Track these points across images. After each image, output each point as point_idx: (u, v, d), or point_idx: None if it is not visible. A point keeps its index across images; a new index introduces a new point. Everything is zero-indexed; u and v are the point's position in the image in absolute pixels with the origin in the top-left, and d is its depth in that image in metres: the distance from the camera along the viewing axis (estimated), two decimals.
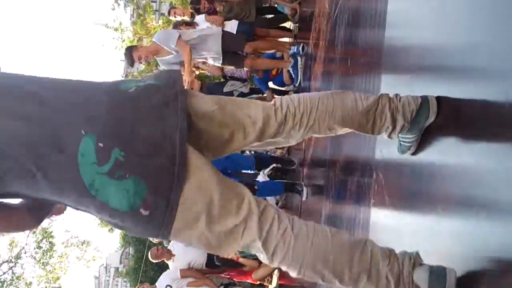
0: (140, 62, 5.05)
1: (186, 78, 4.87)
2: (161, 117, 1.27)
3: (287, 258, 1.31)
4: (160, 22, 17.49)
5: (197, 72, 6.25)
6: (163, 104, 1.29)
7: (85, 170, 1.19)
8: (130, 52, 5.00)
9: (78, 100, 1.27)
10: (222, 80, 7.04)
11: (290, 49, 5.77)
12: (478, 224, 1.16)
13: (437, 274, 1.23)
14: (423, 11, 1.77)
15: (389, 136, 1.59)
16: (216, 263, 6.00)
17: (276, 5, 6.99)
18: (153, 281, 7.56)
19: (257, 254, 1.36)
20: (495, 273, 1.08)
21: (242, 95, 6.48)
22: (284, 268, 1.36)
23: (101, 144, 1.19)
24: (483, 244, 1.14)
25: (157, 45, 4.99)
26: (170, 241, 5.56)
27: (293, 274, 1.35)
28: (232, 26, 6.01)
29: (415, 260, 1.31)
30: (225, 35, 5.24)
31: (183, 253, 5.99)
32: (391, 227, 1.92)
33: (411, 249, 1.35)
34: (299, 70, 5.68)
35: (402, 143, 1.64)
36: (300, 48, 5.57)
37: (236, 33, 5.80)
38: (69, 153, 1.19)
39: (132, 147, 1.22)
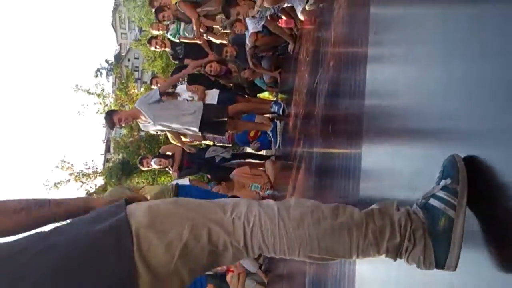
0: (120, 125, 5.18)
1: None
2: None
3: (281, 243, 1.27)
4: (142, 89, 17.80)
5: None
6: None
7: None
8: (110, 115, 5.17)
9: None
10: (203, 146, 7.13)
11: (271, 107, 5.88)
12: None
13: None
14: (400, 82, 1.87)
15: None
16: None
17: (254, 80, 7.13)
18: None
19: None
20: None
21: (224, 160, 6.55)
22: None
23: None
24: None
25: (137, 110, 5.13)
26: None
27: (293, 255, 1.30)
28: (213, 95, 6.16)
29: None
30: (206, 110, 5.33)
31: None
32: None
33: None
34: (278, 133, 5.80)
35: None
36: (281, 110, 5.69)
37: (218, 101, 5.95)
38: None
39: None
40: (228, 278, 5.82)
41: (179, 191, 4.80)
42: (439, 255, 1.18)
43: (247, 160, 6.65)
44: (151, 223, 1.22)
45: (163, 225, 1.23)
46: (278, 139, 5.80)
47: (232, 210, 1.30)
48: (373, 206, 1.31)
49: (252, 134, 6.39)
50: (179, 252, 1.21)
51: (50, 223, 1.33)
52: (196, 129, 5.25)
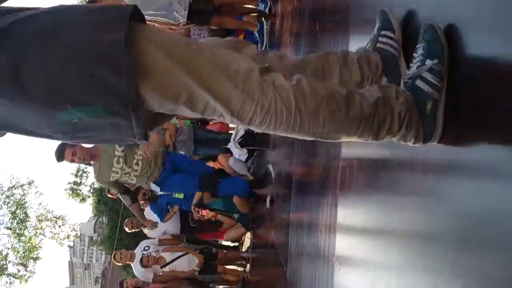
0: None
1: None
2: None
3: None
4: None
5: None
6: None
7: None
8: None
9: None
10: None
11: (257, 5, 5.62)
12: None
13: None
14: None
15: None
16: (192, 225, 6.12)
17: None
18: (128, 247, 7.67)
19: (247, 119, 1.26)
20: None
21: None
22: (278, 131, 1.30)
23: None
24: None
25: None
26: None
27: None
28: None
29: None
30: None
31: (158, 223, 6.10)
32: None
33: None
34: (265, 34, 5.67)
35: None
36: (267, 8, 5.51)
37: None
38: None
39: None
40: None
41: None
42: (427, 134, 1.28)
43: None
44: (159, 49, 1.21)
45: (166, 75, 1.21)
46: (265, 40, 5.69)
47: (244, 84, 1.23)
48: (375, 90, 1.33)
49: (241, 37, 6.28)
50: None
51: None
52: (184, 17, 5.03)
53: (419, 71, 1.27)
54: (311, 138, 1.34)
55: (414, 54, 1.31)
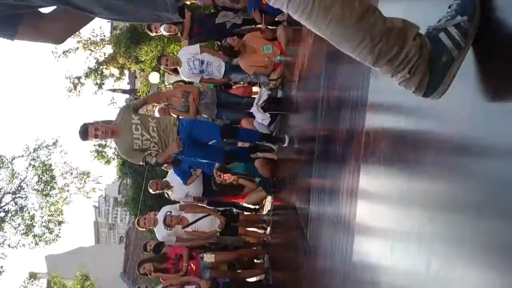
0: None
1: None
2: None
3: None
4: None
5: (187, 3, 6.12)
6: None
7: None
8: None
9: None
10: (213, 11, 6.92)
11: None
12: None
13: None
14: None
15: None
16: (214, 188, 6.23)
17: None
18: (152, 209, 7.86)
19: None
20: None
21: (234, 26, 6.41)
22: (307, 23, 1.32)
23: None
24: None
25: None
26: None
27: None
28: None
29: None
30: None
31: (180, 185, 6.22)
32: None
33: None
34: None
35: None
36: None
37: None
38: None
39: None
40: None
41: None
42: (430, 87, 1.27)
43: (258, 26, 6.51)
44: None
45: None
46: None
47: None
48: (399, 21, 1.30)
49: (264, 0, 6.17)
50: None
51: None
52: None
53: (446, 24, 1.25)
54: (317, 33, 1.34)
55: (448, 9, 1.28)
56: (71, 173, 23.81)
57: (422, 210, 1.51)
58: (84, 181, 23.94)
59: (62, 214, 22.66)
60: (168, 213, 5.93)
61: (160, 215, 5.95)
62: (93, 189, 24.58)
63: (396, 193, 1.81)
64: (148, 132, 4.86)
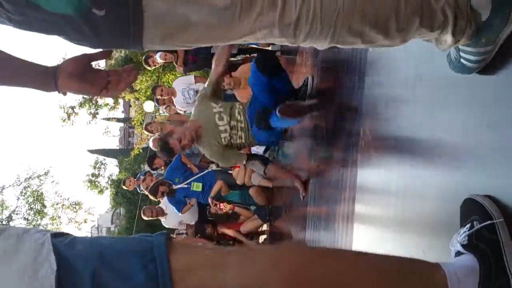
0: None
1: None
2: None
3: (315, 24, 1.05)
4: None
5: None
6: None
7: None
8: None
9: None
10: None
11: None
12: None
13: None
14: None
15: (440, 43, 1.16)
16: (209, 218, 6.18)
17: None
18: None
19: (276, 41, 1.10)
20: None
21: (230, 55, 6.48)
22: (311, 44, 1.11)
23: None
24: None
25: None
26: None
27: (323, 45, 1.12)
28: None
29: None
30: None
31: (175, 213, 6.19)
32: None
33: None
34: None
35: (462, 57, 1.17)
36: None
37: None
38: None
39: None
40: (234, 173, 6.07)
41: None
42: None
43: (253, 55, 6.60)
44: None
45: None
46: None
47: None
48: None
49: None
50: None
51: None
52: None
53: None
54: None
55: None
56: (63, 204, 23.64)
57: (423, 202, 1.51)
58: (76, 211, 23.75)
59: None
60: None
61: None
62: (85, 220, 24.34)
63: (390, 222, 1.82)
64: (235, 117, 3.77)
